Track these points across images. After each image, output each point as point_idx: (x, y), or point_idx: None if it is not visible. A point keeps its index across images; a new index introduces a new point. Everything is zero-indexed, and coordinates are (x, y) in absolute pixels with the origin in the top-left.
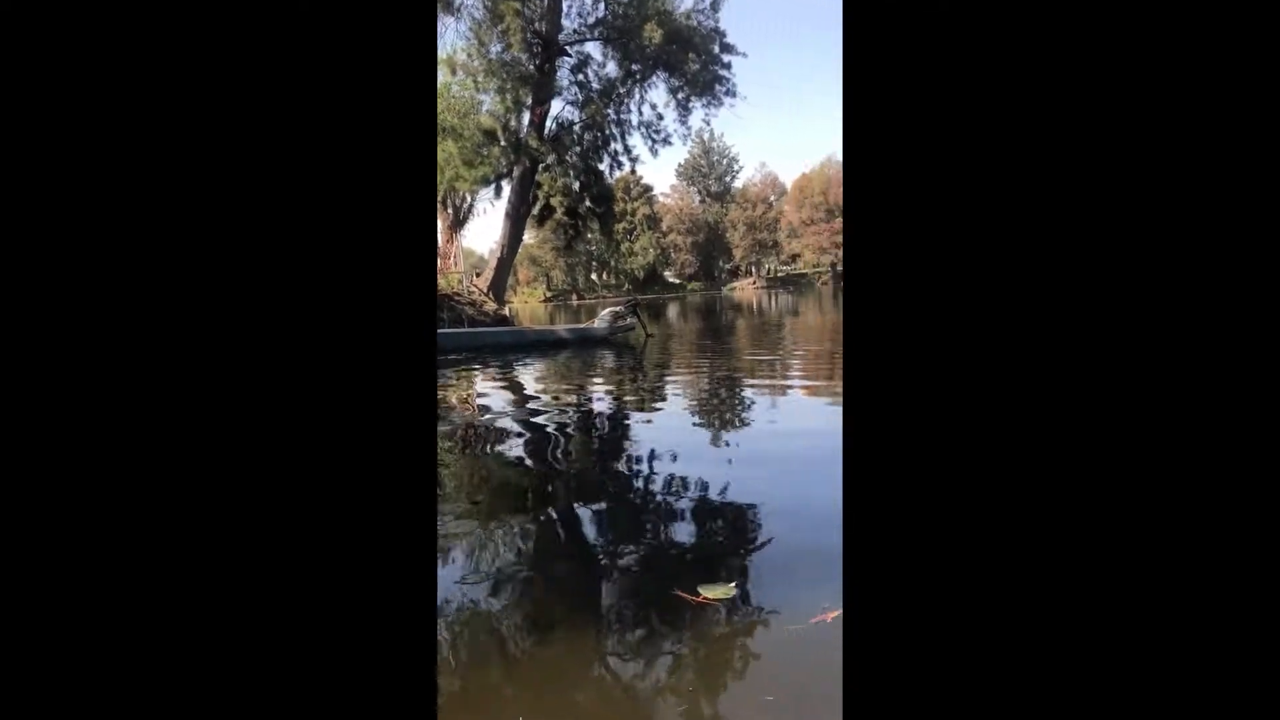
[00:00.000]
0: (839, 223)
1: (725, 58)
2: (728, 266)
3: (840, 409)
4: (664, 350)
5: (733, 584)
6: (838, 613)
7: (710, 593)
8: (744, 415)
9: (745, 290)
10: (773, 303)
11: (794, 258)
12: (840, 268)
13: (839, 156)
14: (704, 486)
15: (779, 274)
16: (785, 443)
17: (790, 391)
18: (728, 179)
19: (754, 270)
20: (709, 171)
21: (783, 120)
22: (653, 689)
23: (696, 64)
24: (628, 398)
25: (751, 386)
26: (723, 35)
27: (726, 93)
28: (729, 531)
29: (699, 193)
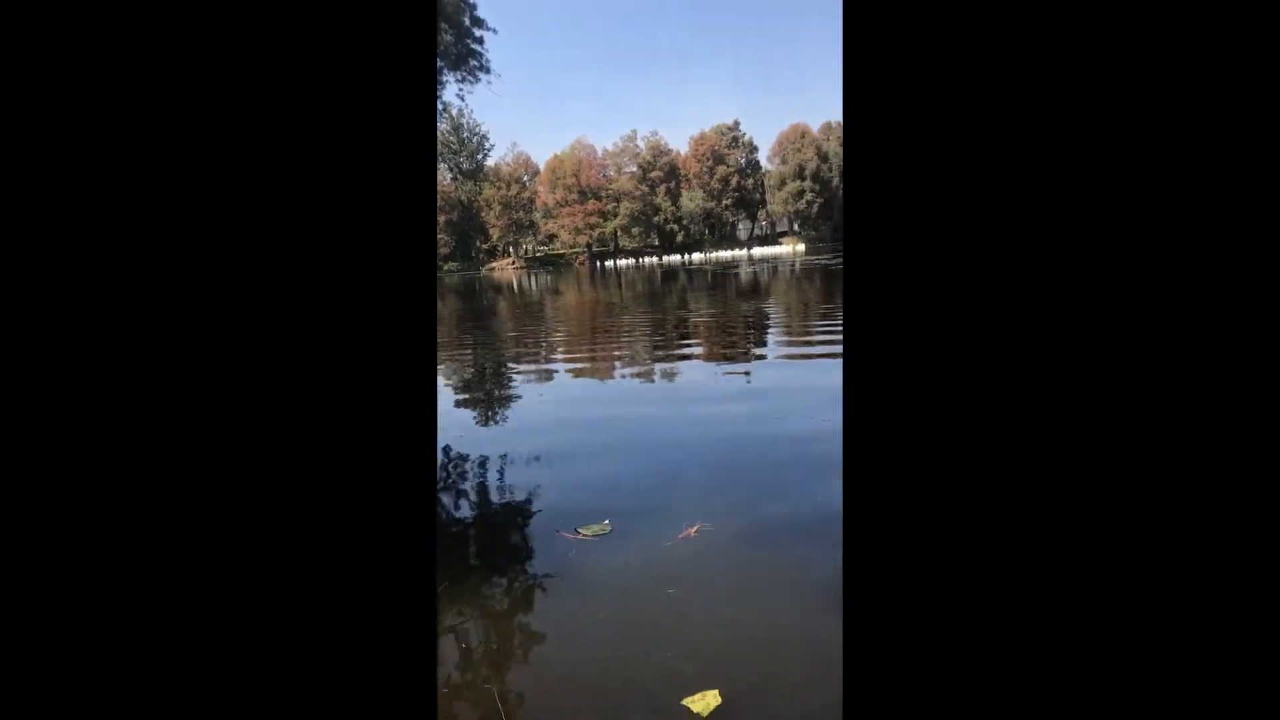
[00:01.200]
0: (592, 204)
1: (477, 32)
2: (485, 246)
3: (601, 382)
4: None
5: (606, 521)
6: (698, 527)
7: (588, 530)
8: (515, 394)
9: (504, 270)
10: (532, 283)
11: (551, 238)
12: (595, 247)
13: (588, 139)
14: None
15: (537, 254)
16: (560, 415)
17: (556, 372)
18: (479, 157)
19: (512, 250)
20: (460, 149)
21: (531, 100)
22: (588, 598)
23: (450, 35)
24: None
25: (520, 369)
26: (473, 8)
27: (480, 68)
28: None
29: (450, 170)
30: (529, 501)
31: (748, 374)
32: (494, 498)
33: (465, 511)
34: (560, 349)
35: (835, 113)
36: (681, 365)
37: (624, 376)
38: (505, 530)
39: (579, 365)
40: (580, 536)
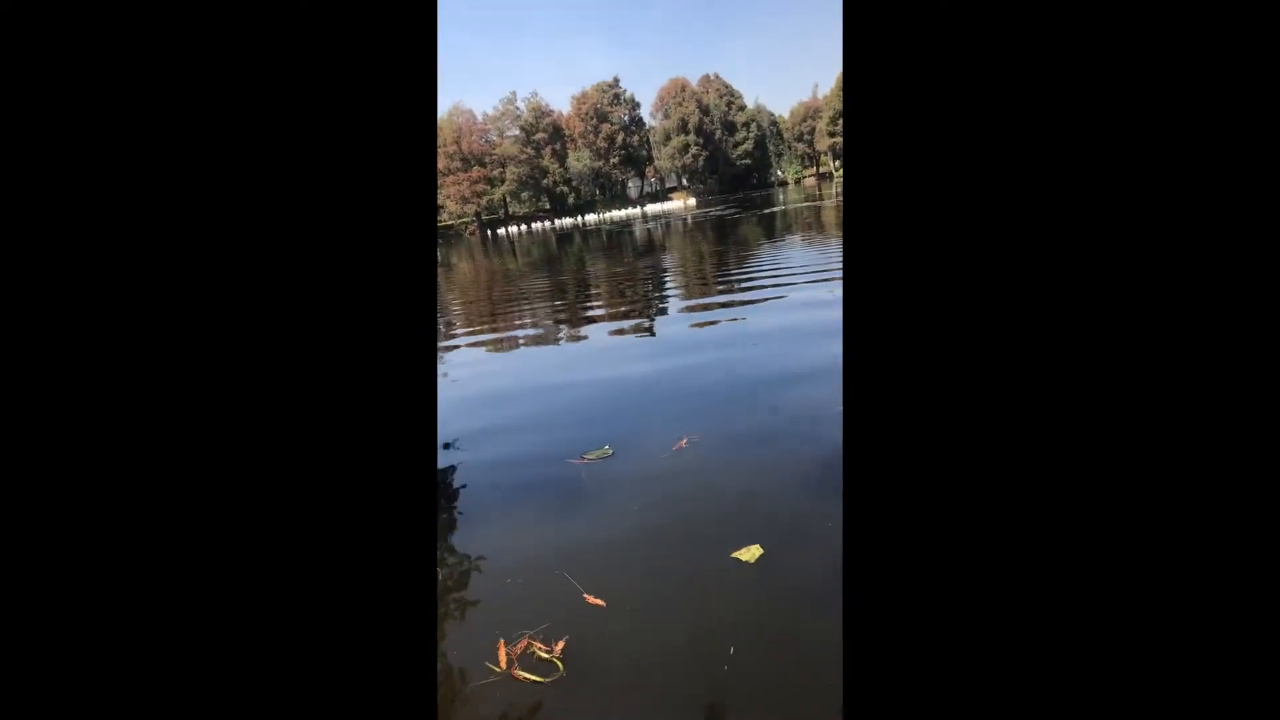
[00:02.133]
0: (477, 171)
1: None
2: None
3: (505, 353)
4: None
5: (606, 446)
6: (685, 440)
7: (591, 455)
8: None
9: None
10: None
11: (438, 209)
12: (484, 215)
13: (466, 104)
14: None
15: None
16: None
17: (459, 347)
18: None
19: None
20: None
21: None
22: (618, 498)
23: None
24: None
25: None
26: None
27: None
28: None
29: None
30: (514, 448)
31: (651, 332)
32: (487, 448)
33: (472, 460)
34: (459, 323)
35: (710, 66)
36: (592, 328)
37: (557, 342)
38: (513, 469)
39: (479, 341)
40: (585, 461)
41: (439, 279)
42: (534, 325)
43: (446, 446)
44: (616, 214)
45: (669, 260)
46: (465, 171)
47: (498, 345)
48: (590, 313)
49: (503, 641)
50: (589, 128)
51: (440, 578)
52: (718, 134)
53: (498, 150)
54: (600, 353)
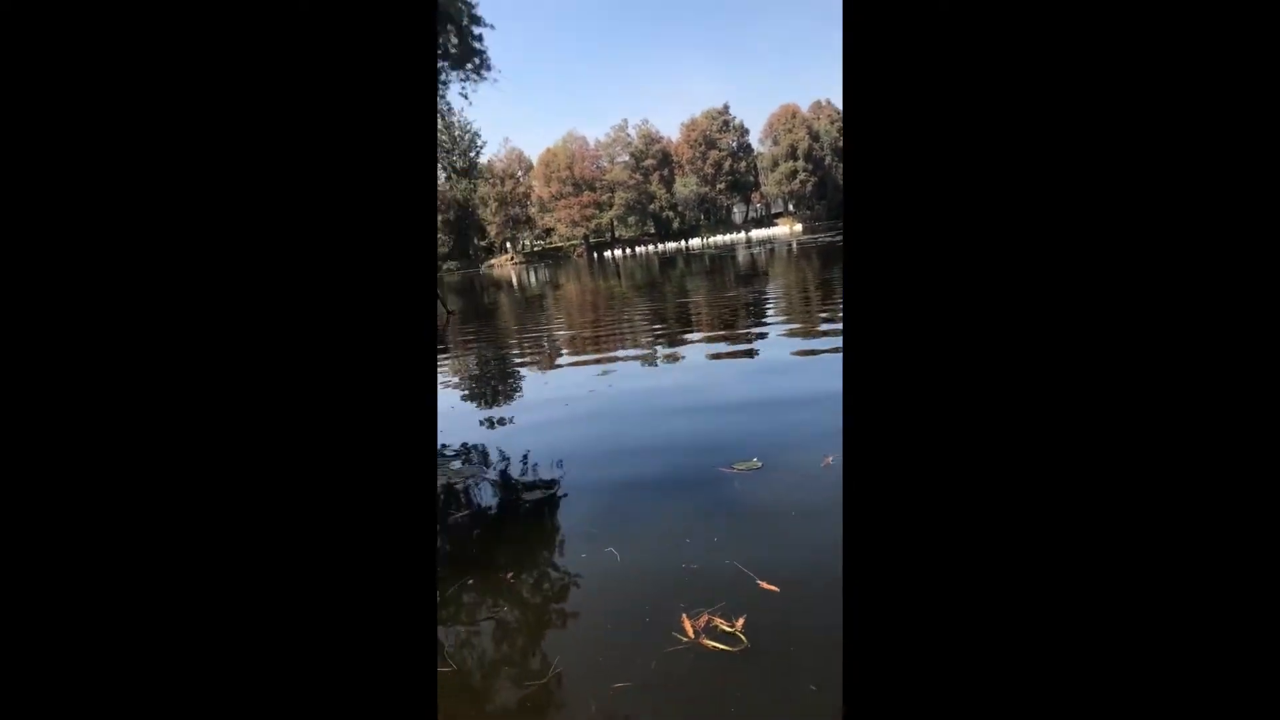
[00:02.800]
0: (587, 195)
1: (476, 30)
2: (483, 244)
3: (602, 371)
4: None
5: (755, 459)
6: (832, 457)
7: (741, 465)
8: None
9: (503, 267)
10: (532, 278)
11: (548, 232)
12: (592, 239)
13: (580, 130)
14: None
15: (535, 249)
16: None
17: (562, 363)
18: (472, 154)
19: (510, 246)
20: (452, 147)
21: (517, 95)
22: (778, 502)
23: (453, 35)
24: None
25: (527, 363)
26: (473, 7)
27: (483, 66)
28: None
29: (444, 169)
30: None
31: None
32: (628, 460)
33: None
34: (563, 343)
35: (824, 91)
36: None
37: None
38: (665, 475)
39: (582, 360)
40: (736, 471)
41: (548, 298)
42: (637, 347)
43: (547, 481)
44: (720, 239)
45: (772, 286)
46: (576, 196)
47: (606, 371)
48: (691, 338)
49: (686, 615)
50: (697, 154)
51: (623, 561)
52: (827, 160)
53: (608, 176)
54: (708, 378)
